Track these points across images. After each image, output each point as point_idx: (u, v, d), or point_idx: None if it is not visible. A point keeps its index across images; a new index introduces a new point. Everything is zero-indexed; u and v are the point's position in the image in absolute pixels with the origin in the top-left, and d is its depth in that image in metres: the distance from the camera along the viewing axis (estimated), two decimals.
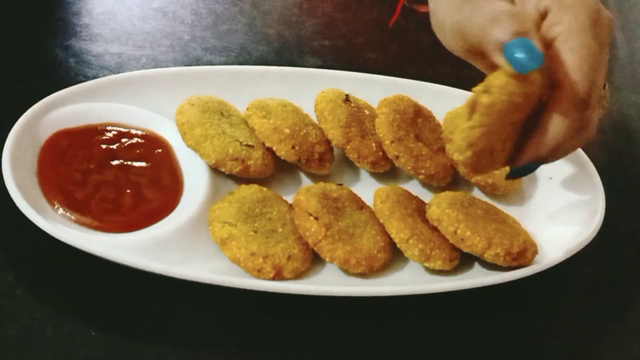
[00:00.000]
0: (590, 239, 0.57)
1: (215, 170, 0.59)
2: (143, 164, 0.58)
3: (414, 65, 0.77)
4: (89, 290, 0.52)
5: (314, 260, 0.55)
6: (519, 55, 0.45)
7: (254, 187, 0.58)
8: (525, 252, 0.54)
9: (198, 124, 0.58)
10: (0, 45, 0.68)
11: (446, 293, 0.53)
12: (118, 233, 0.54)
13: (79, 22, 0.73)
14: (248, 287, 0.52)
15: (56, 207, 0.54)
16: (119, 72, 0.62)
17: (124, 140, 0.59)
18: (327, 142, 0.62)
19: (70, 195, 0.55)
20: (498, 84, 0.45)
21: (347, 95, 0.63)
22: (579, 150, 0.65)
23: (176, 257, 0.52)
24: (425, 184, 0.63)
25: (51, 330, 0.50)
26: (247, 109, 0.62)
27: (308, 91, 0.64)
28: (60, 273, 0.53)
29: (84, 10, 0.75)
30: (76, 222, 0.54)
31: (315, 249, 0.54)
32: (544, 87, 0.47)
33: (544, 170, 0.66)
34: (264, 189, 0.58)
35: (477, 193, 0.62)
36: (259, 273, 0.52)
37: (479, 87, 0.46)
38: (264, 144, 0.60)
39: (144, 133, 0.60)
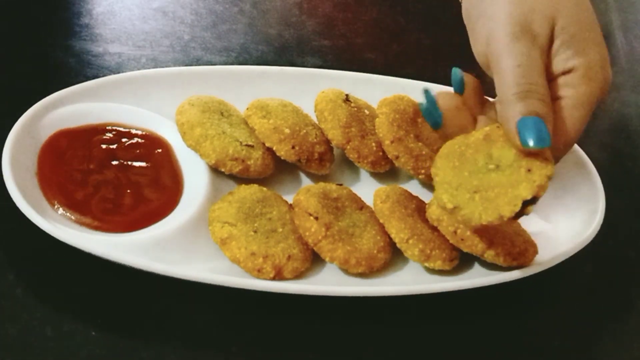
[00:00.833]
0: (590, 239, 0.57)
1: (215, 170, 0.59)
2: (143, 164, 0.58)
3: (414, 65, 0.77)
4: (89, 290, 0.52)
5: (314, 260, 0.55)
6: (530, 134, 0.46)
7: (254, 187, 0.58)
8: (525, 252, 0.54)
9: (198, 124, 0.58)
10: (0, 45, 0.68)
11: (446, 293, 0.53)
12: (118, 233, 0.54)
13: (79, 22, 0.73)
14: (248, 287, 0.52)
15: (56, 207, 0.54)
16: (119, 72, 0.62)
17: (124, 140, 0.59)
18: (327, 142, 0.62)
19: (70, 195, 0.55)
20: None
21: (347, 95, 0.63)
22: (579, 150, 0.65)
23: (176, 257, 0.52)
24: (425, 184, 0.63)
25: (51, 330, 0.50)
26: (247, 109, 0.62)
27: (308, 91, 0.64)
28: (60, 273, 0.53)
29: (84, 10, 0.75)
30: (76, 222, 0.54)
31: (315, 249, 0.54)
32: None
33: None
34: (264, 189, 0.58)
35: None
36: (259, 273, 0.52)
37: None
38: (264, 144, 0.60)
39: (144, 133, 0.60)
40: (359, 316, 0.54)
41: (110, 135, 0.59)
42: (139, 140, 0.60)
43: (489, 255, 0.54)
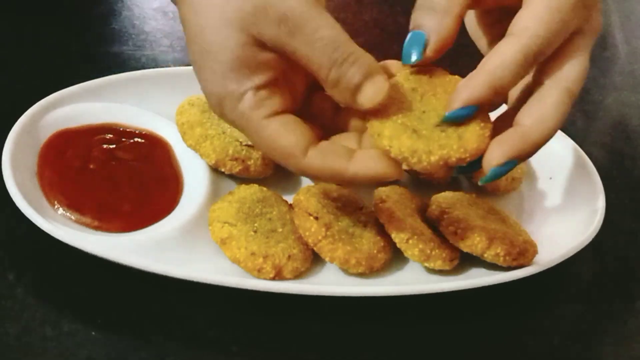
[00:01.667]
0: (590, 239, 0.57)
1: (215, 170, 0.59)
2: (143, 164, 0.58)
3: None
4: (89, 290, 0.52)
5: (314, 260, 0.55)
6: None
7: (254, 187, 0.58)
8: (525, 252, 0.54)
9: (198, 124, 0.59)
10: (0, 45, 0.68)
11: (446, 293, 0.53)
12: (118, 233, 0.54)
13: (79, 22, 0.73)
14: (248, 287, 0.52)
15: (56, 207, 0.54)
16: (119, 72, 0.62)
17: (124, 140, 0.59)
18: None
19: (70, 195, 0.55)
20: None
21: None
22: (579, 150, 0.65)
23: (176, 257, 0.52)
24: (425, 184, 0.63)
25: (51, 330, 0.50)
26: None
27: None
28: (60, 273, 0.53)
29: (84, 11, 0.75)
30: (76, 222, 0.54)
31: (315, 249, 0.54)
32: None
33: (544, 170, 0.66)
34: (264, 189, 0.58)
35: (477, 193, 0.62)
36: (259, 273, 0.52)
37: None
38: None
39: (144, 133, 0.60)
40: (359, 316, 0.54)
41: (110, 135, 0.59)
42: (139, 140, 0.60)
43: (489, 255, 0.54)
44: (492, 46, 0.47)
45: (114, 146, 0.58)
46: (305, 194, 0.56)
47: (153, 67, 0.64)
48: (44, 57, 0.69)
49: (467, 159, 0.45)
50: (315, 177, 0.50)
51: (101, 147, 0.58)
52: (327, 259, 0.53)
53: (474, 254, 0.54)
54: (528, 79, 0.49)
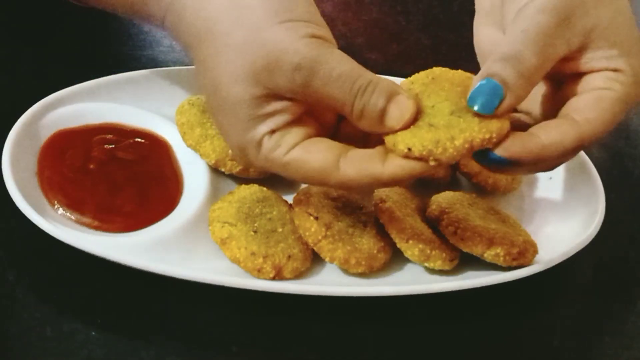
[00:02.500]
0: (590, 239, 0.57)
1: (215, 170, 0.59)
2: (143, 164, 0.58)
3: (414, 65, 0.77)
4: (89, 290, 0.52)
5: (314, 260, 0.55)
6: (479, 97, 0.45)
7: (254, 187, 0.58)
8: (525, 252, 0.54)
9: (198, 124, 0.59)
10: (0, 45, 0.68)
11: (446, 293, 0.53)
12: (118, 233, 0.54)
13: (79, 22, 0.73)
14: (248, 287, 0.52)
15: (56, 207, 0.54)
16: (119, 72, 0.62)
17: (124, 140, 0.59)
18: None
19: (70, 195, 0.55)
20: None
21: None
22: None
23: (176, 257, 0.52)
24: (426, 184, 0.63)
25: (51, 330, 0.50)
26: None
27: None
28: (60, 273, 0.53)
29: (84, 10, 0.75)
30: (76, 222, 0.54)
31: (315, 249, 0.54)
32: None
33: None
34: (264, 189, 0.58)
35: (477, 193, 0.62)
36: (259, 273, 0.52)
37: None
38: None
39: (144, 133, 0.60)
40: (359, 316, 0.54)
41: (110, 135, 0.59)
42: (139, 140, 0.60)
43: (489, 255, 0.54)
44: None
45: (114, 146, 0.58)
46: (305, 194, 0.56)
47: (153, 67, 0.64)
48: (44, 57, 0.69)
49: (493, 139, 0.45)
50: (354, 188, 0.50)
51: (101, 147, 0.58)
52: (327, 259, 0.53)
53: (474, 254, 0.54)
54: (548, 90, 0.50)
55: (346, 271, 0.54)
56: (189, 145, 0.59)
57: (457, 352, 0.54)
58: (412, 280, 0.55)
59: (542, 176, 0.65)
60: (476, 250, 0.54)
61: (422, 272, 0.55)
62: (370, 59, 0.76)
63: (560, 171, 0.64)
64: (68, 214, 0.54)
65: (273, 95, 0.47)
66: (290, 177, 0.48)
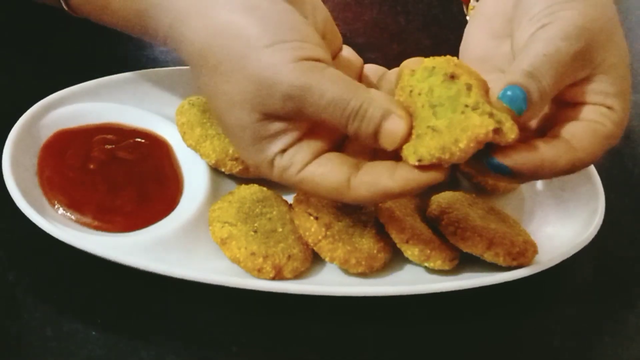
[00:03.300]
0: (590, 239, 0.57)
1: (215, 170, 0.59)
2: (143, 164, 0.58)
3: None
4: (89, 290, 0.52)
5: (314, 260, 0.55)
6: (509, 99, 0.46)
7: (254, 187, 0.58)
8: (525, 252, 0.54)
9: (198, 124, 0.59)
10: (0, 45, 0.68)
11: (446, 293, 0.53)
12: (118, 233, 0.54)
13: (80, 22, 0.73)
14: (248, 287, 0.52)
15: (56, 207, 0.54)
16: (119, 72, 0.62)
17: (124, 140, 0.59)
18: None
19: (70, 195, 0.55)
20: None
21: None
22: None
23: (176, 257, 0.52)
24: None
25: (51, 330, 0.50)
26: None
27: None
28: (60, 273, 0.53)
29: None
30: (76, 222, 0.54)
31: (315, 249, 0.54)
32: None
33: None
34: (264, 188, 0.58)
35: (477, 193, 0.62)
36: (259, 273, 0.52)
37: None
38: None
39: (144, 133, 0.60)
40: (359, 316, 0.54)
41: (110, 135, 0.59)
42: (139, 140, 0.60)
43: (489, 255, 0.54)
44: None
45: (113, 146, 0.58)
46: (305, 194, 0.56)
47: (153, 67, 0.64)
48: (44, 57, 0.69)
49: (500, 129, 0.44)
50: (368, 204, 0.53)
51: (101, 147, 0.58)
52: (327, 259, 0.53)
53: (474, 254, 0.54)
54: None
55: (346, 271, 0.54)
56: (189, 145, 0.59)
57: (457, 352, 0.54)
58: (412, 280, 0.55)
59: None
60: (476, 250, 0.54)
61: (422, 272, 0.55)
62: (370, 59, 0.76)
63: None
64: (68, 214, 0.54)
65: (271, 118, 0.47)
66: (305, 192, 0.50)
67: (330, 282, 0.54)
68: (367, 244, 0.54)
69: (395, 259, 0.56)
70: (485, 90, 0.47)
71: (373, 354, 0.53)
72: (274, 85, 0.46)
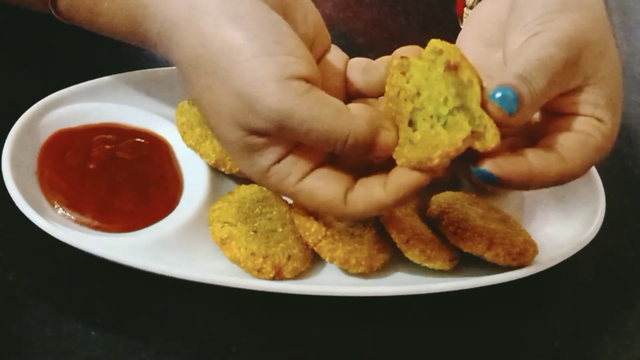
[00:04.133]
0: (590, 239, 0.57)
1: (215, 170, 0.59)
2: (143, 164, 0.58)
3: None
4: (89, 290, 0.52)
5: (314, 260, 0.55)
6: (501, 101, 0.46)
7: (254, 187, 0.58)
8: (525, 252, 0.54)
9: (198, 124, 0.58)
10: (0, 45, 0.68)
11: (446, 293, 0.53)
12: (118, 233, 0.54)
13: None
14: (248, 287, 0.52)
15: (56, 207, 0.54)
16: (119, 72, 0.62)
17: (124, 140, 0.59)
18: None
19: (70, 195, 0.55)
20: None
21: None
22: None
23: (176, 257, 0.52)
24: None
25: (51, 330, 0.50)
26: None
27: None
28: (60, 273, 0.53)
29: None
30: (76, 222, 0.54)
31: (315, 249, 0.54)
32: None
33: None
34: (264, 188, 0.58)
35: (477, 193, 0.62)
36: (259, 273, 0.52)
37: None
38: None
39: (144, 133, 0.60)
40: (359, 316, 0.54)
41: (110, 135, 0.59)
42: (139, 140, 0.60)
43: (489, 255, 0.54)
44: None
45: (114, 146, 0.58)
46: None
47: (153, 67, 0.64)
48: (44, 57, 0.69)
49: (467, 147, 0.45)
50: (364, 217, 0.53)
51: (101, 147, 0.58)
52: (327, 259, 0.53)
53: (474, 254, 0.54)
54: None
55: (346, 271, 0.54)
56: (189, 145, 0.58)
57: (457, 352, 0.54)
58: (412, 280, 0.55)
59: None
60: (476, 250, 0.54)
61: (422, 272, 0.55)
62: (371, 59, 0.76)
63: None
64: (68, 214, 0.54)
65: (258, 132, 0.47)
66: (298, 204, 0.50)
67: (330, 282, 0.54)
68: (367, 244, 0.54)
69: (395, 259, 0.56)
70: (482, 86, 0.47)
71: (373, 354, 0.53)
72: (256, 104, 0.46)
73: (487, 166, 0.45)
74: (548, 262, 0.55)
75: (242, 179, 0.59)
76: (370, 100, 0.54)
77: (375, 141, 0.47)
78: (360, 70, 0.54)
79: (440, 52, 0.47)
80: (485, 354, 0.54)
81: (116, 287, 0.52)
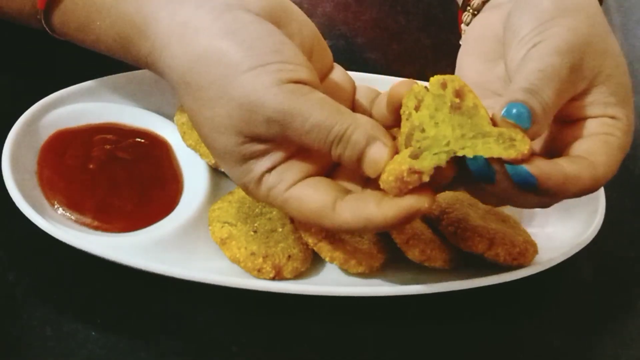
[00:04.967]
0: (590, 239, 0.57)
1: (215, 170, 0.59)
2: (143, 164, 0.58)
3: (414, 65, 0.77)
4: (89, 290, 0.52)
5: (314, 260, 0.55)
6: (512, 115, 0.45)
7: None
8: (525, 252, 0.54)
9: None
10: (0, 45, 0.68)
11: (446, 293, 0.53)
12: (118, 233, 0.54)
13: None
14: (248, 287, 0.52)
15: (56, 207, 0.54)
16: (119, 72, 0.62)
17: (124, 140, 0.59)
18: None
19: (70, 195, 0.55)
20: None
21: None
22: None
23: (176, 257, 0.52)
24: None
25: (51, 330, 0.50)
26: None
27: None
28: (60, 273, 0.53)
29: None
30: (76, 222, 0.54)
31: (315, 249, 0.54)
32: None
33: None
34: None
35: None
36: (259, 273, 0.52)
37: None
38: None
39: (144, 133, 0.60)
40: (359, 316, 0.54)
41: (110, 135, 0.59)
42: (139, 140, 0.60)
43: (489, 255, 0.54)
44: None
45: (114, 146, 0.58)
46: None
47: None
48: (44, 57, 0.69)
49: (513, 144, 0.44)
50: (350, 231, 0.52)
51: (101, 147, 0.58)
52: (327, 259, 0.53)
53: (474, 254, 0.54)
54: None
55: (346, 271, 0.54)
56: (189, 145, 0.59)
57: (457, 352, 0.54)
58: (412, 280, 0.55)
59: None
60: (476, 250, 0.54)
61: (422, 272, 0.55)
62: (370, 59, 0.76)
63: None
64: (68, 214, 0.54)
65: (256, 139, 0.47)
66: (289, 214, 0.49)
67: (330, 282, 0.54)
68: (367, 244, 0.54)
69: (395, 259, 0.56)
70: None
71: (373, 354, 0.53)
72: (257, 110, 0.46)
73: (527, 166, 0.44)
74: (548, 262, 0.55)
75: None
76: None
77: (367, 151, 0.46)
78: (369, 99, 0.54)
79: (444, 84, 0.47)
80: (485, 354, 0.54)
81: (116, 287, 0.52)
